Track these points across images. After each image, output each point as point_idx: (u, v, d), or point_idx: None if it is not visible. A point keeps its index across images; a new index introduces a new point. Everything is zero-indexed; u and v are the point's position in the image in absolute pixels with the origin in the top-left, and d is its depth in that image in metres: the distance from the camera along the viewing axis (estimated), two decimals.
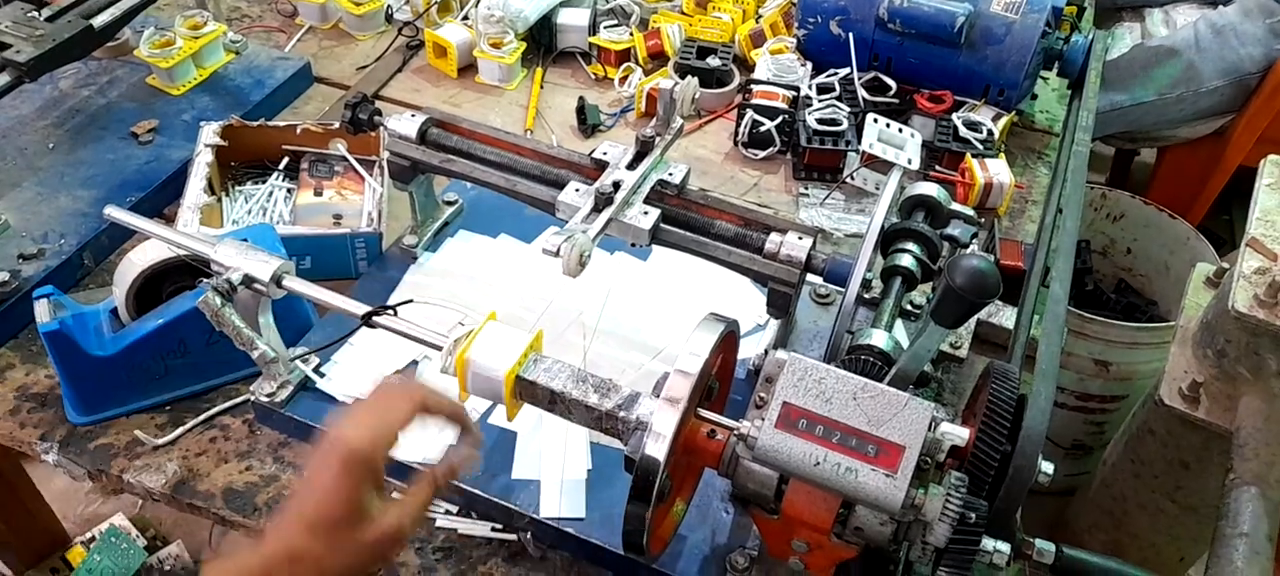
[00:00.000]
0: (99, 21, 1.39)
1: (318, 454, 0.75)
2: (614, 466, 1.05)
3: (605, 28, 1.77)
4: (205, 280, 0.98)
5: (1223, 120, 2.29)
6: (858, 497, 0.79)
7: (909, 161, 1.21)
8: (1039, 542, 0.88)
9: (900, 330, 1.03)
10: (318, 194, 1.37)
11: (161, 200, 1.39)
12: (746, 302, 1.25)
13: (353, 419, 0.76)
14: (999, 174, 1.47)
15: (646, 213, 1.06)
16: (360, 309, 0.96)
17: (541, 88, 1.71)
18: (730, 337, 0.92)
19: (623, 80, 1.70)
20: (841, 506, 0.80)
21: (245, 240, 1.02)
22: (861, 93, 1.58)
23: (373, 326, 0.95)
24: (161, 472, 1.07)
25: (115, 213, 1.05)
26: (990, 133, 1.53)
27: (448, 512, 1.04)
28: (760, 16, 1.80)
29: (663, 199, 1.11)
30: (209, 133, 1.37)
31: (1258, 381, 1.15)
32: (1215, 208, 2.50)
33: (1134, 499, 1.41)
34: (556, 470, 1.04)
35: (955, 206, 1.06)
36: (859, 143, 1.46)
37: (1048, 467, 0.87)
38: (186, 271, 1.09)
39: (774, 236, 1.06)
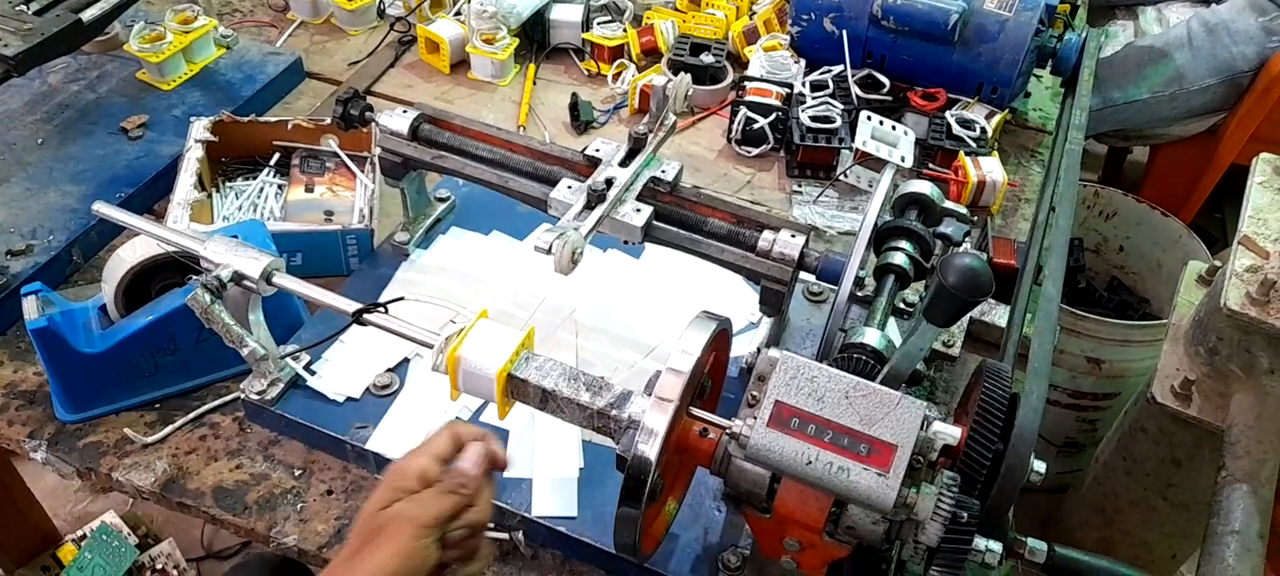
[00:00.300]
0: (88, 15, 1.38)
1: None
2: (606, 465, 1.04)
3: (598, 24, 1.76)
4: (195, 277, 0.97)
5: (1215, 118, 2.30)
6: (850, 497, 0.79)
7: (902, 159, 1.21)
8: (1031, 542, 0.88)
9: (893, 328, 1.03)
10: (309, 190, 1.36)
11: (151, 196, 1.38)
12: (739, 300, 1.25)
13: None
14: (992, 172, 1.47)
15: (639, 210, 1.06)
16: (351, 306, 0.95)
17: (534, 84, 1.70)
18: (722, 336, 0.92)
19: (616, 77, 1.70)
20: (834, 505, 0.80)
21: (235, 237, 1.01)
22: (855, 90, 1.58)
23: (364, 324, 0.94)
24: (151, 471, 1.07)
25: (104, 209, 1.04)
26: (983, 131, 1.53)
27: None
28: (754, 13, 1.80)
29: (655, 196, 1.11)
30: (199, 128, 1.36)
31: (1249, 379, 1.15)
32: (1207, 205, 2.51)
33: (1126, 496, 1.42)
34: (548, 468, 1.04)
35: (948, 204, 1.06)
36: (852, 140, 1.46)
37: (1040, 466, 0.87)
38: (176, 268, 1.08)
39: (767, 234, 1.06)
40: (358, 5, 1.77)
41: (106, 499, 2.02)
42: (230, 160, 1.42)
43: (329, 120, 1.27)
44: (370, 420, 1.07)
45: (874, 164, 1.47)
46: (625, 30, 1.75)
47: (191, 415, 1.12)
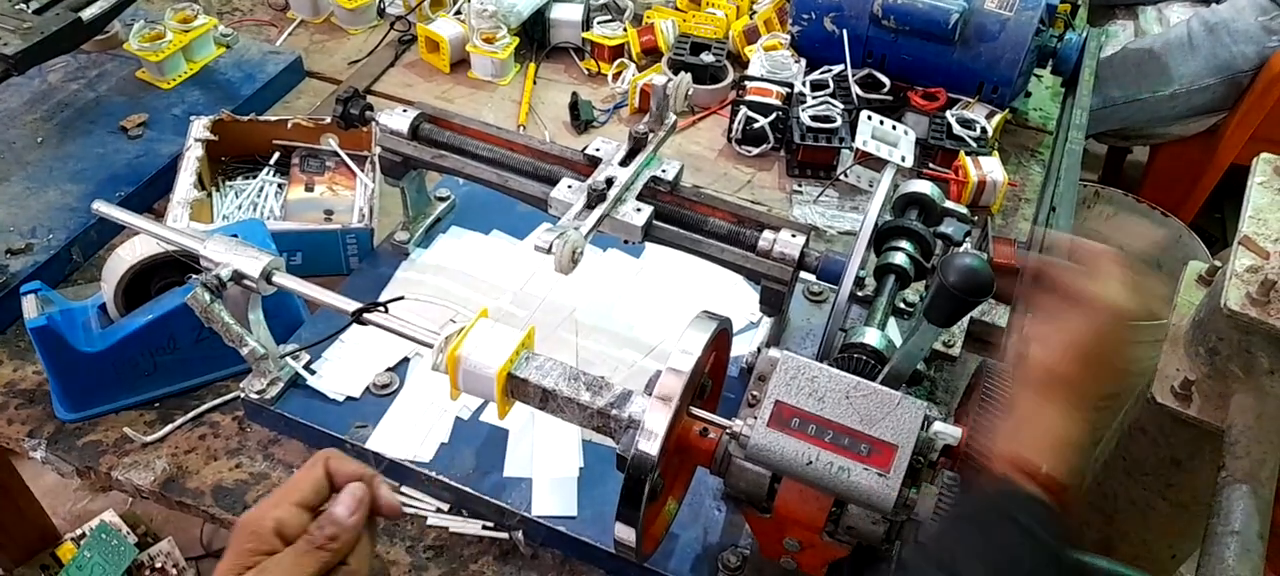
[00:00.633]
0: (88, 14, 1.38)
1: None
2: (606, 465, 1.04)
3: (599, 23, 1.76)
4: (195, 276, 0.97)
5: (1215, 118, 2.30)
6: (850, 497, 0.79)
7: (902, 159, 1.21)
8: None
9: (893, 328, 1.03)
10: (309, 189, 1.36)
11: (151, 195, 1.38)
12: (739, 300, 1.25)
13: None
14: (992, 172, 1.47)
15: (639, 209, 1.06)
16: (351, 305, 0.95)
17: (534, 83, 1.70)
18: (723, 335, 0.92)
19: (616, 76, 1.70)
20: (834, 505, 0.80)
21: (235, 236, 1.01)
22: (855, 90, 1.58)
23: (364, 323, 0.94)
24: (150, 470, 1.06)
25: (104, 208, 1.04)
26: (984, 130, 1.53)
27: (439, 511, 1.04)
28: (754, 12, 1.79)
29: (655, 196, 1.10)
30: (199, 127, 1.36)
31: (1249, 379, 1.15)
32: (1207, 205, 2.51)
33: (1125, 496, 1.42)
34: (548, 468, 1.04)
35: (949, 204, 1.05)
36: (853, 140, 1.46)
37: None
38: (176, 267, 1.08)
39: (767, 234, 1.05)
40: (358, 4, 1.77)
41: (106, 498, 2.02)
42: (230, 159, 1.42)
43: (329, 119, 1.27)
44: (370, 419, 1.07)
45: (874, 163, 1.47)
46: (625, 29, 1.75)
47: (191, 414, 1.12)
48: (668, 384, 0.80)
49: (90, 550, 1.78)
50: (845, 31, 1.59)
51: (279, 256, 0.99)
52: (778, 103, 1.56)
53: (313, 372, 1.10)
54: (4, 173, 1.35)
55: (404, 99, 1.64)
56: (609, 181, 1.06)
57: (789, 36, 1.69)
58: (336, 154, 1.39)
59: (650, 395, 0.81)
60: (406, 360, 1.14)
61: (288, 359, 1.09)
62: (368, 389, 1.10)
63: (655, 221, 1.07)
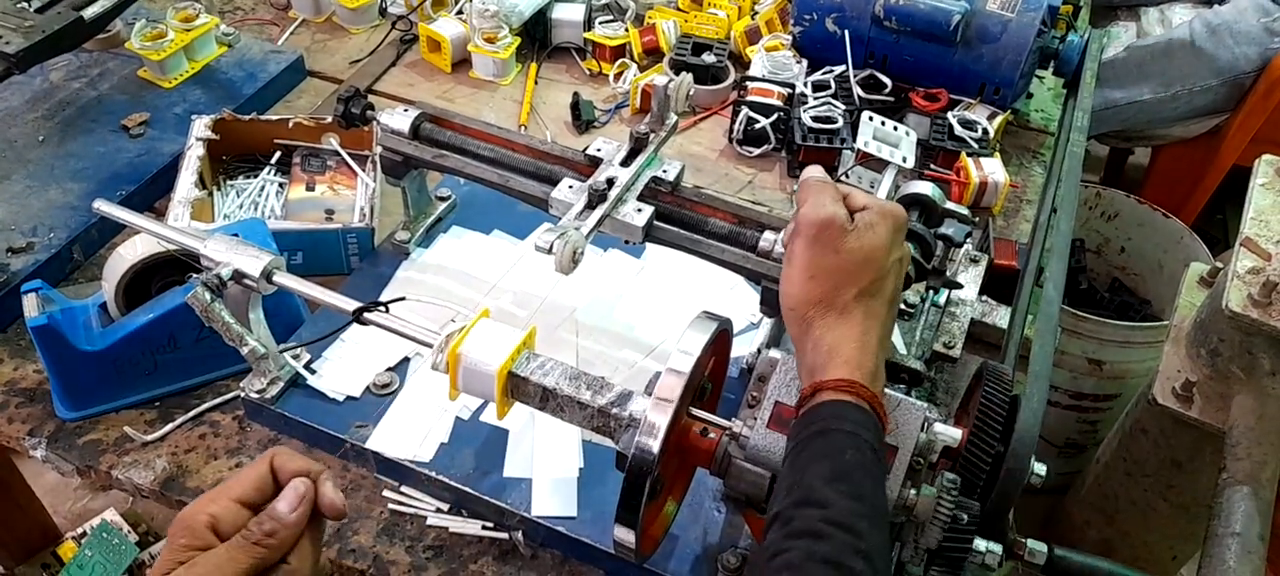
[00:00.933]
0: (90, 13, 1.38)
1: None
2: (606, 465, 1.04)
3: (600, 23, 1.76)
4: (195, 275, 0.97)
5: (1217, 119, 2.29)
6: None
7: (904, 160, 1.21)
8: (1031, 543, 0.88)
9: (894, 329, 1.02)
10: (310, 189, 1.36)
11: (152, 194, 1.38)
12: (740, 301, 1.25)
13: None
14: (994, 173, 1.47)
15: (640, 210, 1.06)
16: (351, 305, 0.95)
17: (536, 83, 1.70)
18: (723, 336, 0.92)
19: (617, 76, 1.70)
20: None
21: (236, 235, 1.01)
22: (857, 90, 1.58)
23: (364, 323, 0.94)
24: (150, 469, 1.06)
25: (104, 206, 1.04)
26: (985, 131, 1.53)
27: (439, 510, 1.04)
28: (756, 13, 1.79)
29: (656, 196, 1.10)
30: (200, 126, 1.36)
31: (1251, 381, 1.15)
32: (1209, 207, 2.51)
33: (1126, 497, 1.42)
34: (548, 468, 1.04)
35: (950, 205, 1.05)
36: (854, 140, 1.46)
37: (1041, 468, 0.87)
38: (176, 266, 1.08)
39: (768, 234, 1.05)
40: (359, 4, 1.77)
41: (107, 496, 2.03)
42: (231, 158, 1.42)
43: (330, 119, 1.27)
44: (370, 419, 1.07)
45: (875, 164, 1.47)
46: (627, 30, 1.75)
47: (191, 413, 1.12)
48: (668, 384, 0.80)
49: (91, 548, 1.78)
50: (847, 32, 1.59)
51: (279, 256, 0.99)
52: (779, 103, 1.56)
53: (313, 372, 1.10)
54: (5, 171, 1.35)
55: (405, 98, 1.64)
56: (610, 182, 1.06)
57: (790, 37, 1.69)
58: (338, 153, 1.40)
59: (650, 396, 0.81)
60: (406, 360, 1.14)
61: (288, 358, 1.09)
62: (368, 388, 1.10)
63: (656, 222, 1.07)
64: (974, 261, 1.26)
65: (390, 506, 1.04)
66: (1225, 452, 1.08)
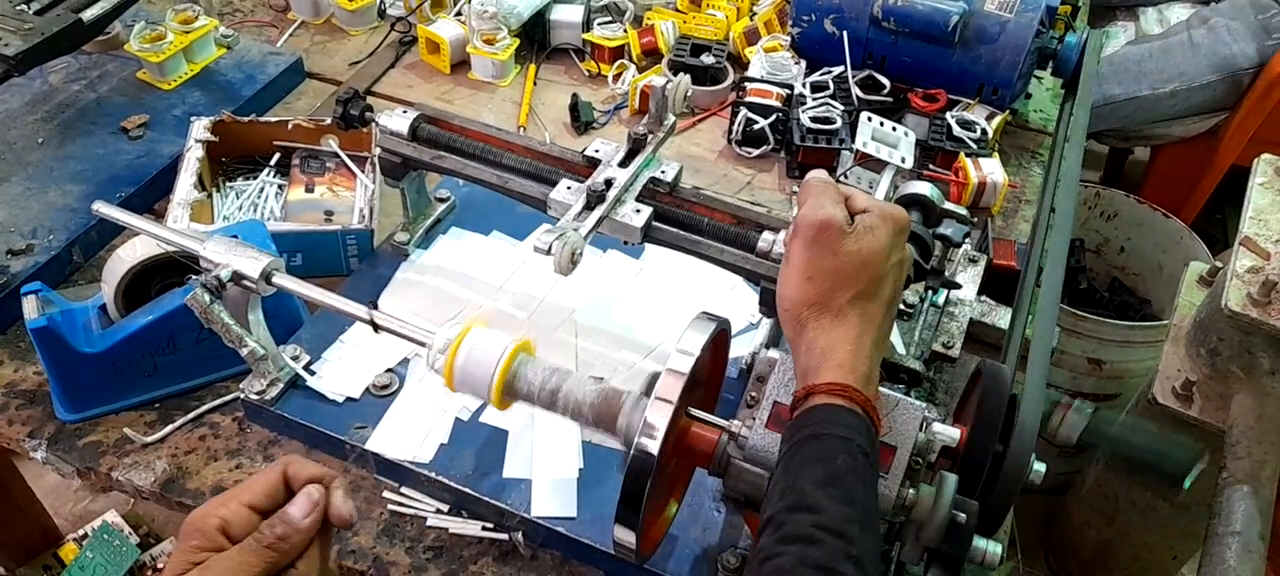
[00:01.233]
0: (89, 15, 1.38)
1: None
2: (606, 465, 1.05)
3: (599, 24, 1.76)
4: (194, 277, 0.97)
5: (1216, 118, 2.30)
6: None
7: (902, 160, 1.21)
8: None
9: (893, 329, 1.02)
10: (309, 190, 1.36)
11: (151, 196, 1.38)
12: (739, 301, 1.25)
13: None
14: (993, 173, 1.47)
15: (639, 211, 1.06)
16: (351, 306, 0.95)
17: (534, 84, 1.70)
18: (722, 336, 0.92)
19: (616, 77, 1.70)
20: None
21: (235, 237, 1.01)
22: (855, 91, 1.58)
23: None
24: (150, 470, 1.07)
25: (104, 208, 1.04)
26: (984, 132, 1.53)
27: (438, 511, 1.04)
28: (754, 14, 1.80)
29: (655, 197, 1.10)
30: (200, 128, 1.36)
31: (1250, 380, 1.15)
32: (1208, 206, 2.51)
33: (1126, 497, 1.42)
34: (548, 469, 1.04)
35: (949, 206, 1.05)
36: (853, 141, 1.46)
37: (1040, 467, 0.87)
38: (176, 268, 1.08)
39: (767, 235, 1.05)
40: (358, 5, 1.77)
41: (108, 498, 2.02)
42: (230, 160, 1.42)
43: (329, 120, 1.27)
44: (369, 420, 1.07)
45: (874, 165, 1.47)
46: (626, 31, 1.75)
47: (191, 415, 1.12)
48: (667, 385, 0.80)
49: (92, 550, 1.78)
50: (845, 33, 1.59)
51: (279, 257, 0.99)
52: (778, 104, 1.56)
53: (312, 373, 1.10)
54: (5, 173, 1.36)
55: (404, 100, 1.64)
56: (608, 182, 1.06)
57: (789, 38, 1.69)
58: (337, 155, 1.40)
59: (649, 396, 0.81)
60: (406, 360, 1.14)
61: (288, 359, 1.09)
62: (367, 390, 1.10)
63: (654, 222, 1.07)
64: (973, 261, 1.26)
65: (390, 507, 1.04)
66: (1225, 452, 1.08)
